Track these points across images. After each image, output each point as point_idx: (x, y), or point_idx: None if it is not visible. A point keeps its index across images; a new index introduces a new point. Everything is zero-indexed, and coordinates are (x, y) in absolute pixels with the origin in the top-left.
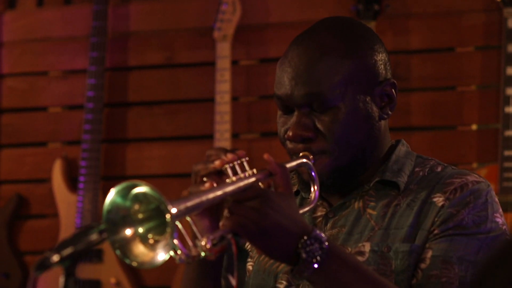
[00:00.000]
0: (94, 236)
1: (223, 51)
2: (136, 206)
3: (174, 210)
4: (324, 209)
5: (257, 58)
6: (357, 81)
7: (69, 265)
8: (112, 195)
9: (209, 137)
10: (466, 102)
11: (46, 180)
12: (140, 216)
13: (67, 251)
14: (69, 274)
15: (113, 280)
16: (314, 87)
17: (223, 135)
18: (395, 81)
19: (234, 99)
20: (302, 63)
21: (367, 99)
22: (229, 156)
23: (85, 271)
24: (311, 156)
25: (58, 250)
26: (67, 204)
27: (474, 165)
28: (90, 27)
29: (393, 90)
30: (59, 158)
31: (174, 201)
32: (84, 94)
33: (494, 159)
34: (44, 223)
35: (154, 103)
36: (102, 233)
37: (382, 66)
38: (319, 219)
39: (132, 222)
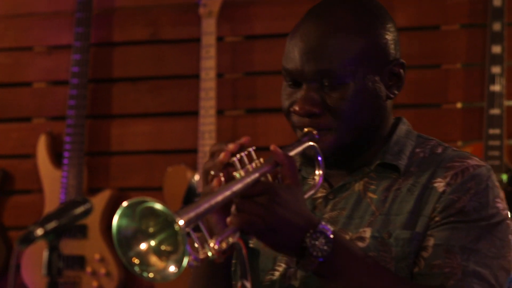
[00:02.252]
0: (79, 210)
1: (209, 27)
2: (146, 221)
3: (181, 222)
4: (325, 190)
5: (243, 35)
6: (368, 59)
7: (53, 239)
8: (118, 216)
9: (194, 113)
10: (451, 80)
11: (31, 156)
12: (151, 230)
13: (51, 224)
14: (53, 248)
15: (97, 256)
16: (326, 63)
17: (208, 112)
18: (404, 61)
19: (219, 75)
20: (314, 38)
21: (377, 79)
22: (231, 146)
23: (69, 247)
24: (315, 132)
25: (42, 224)
26: (51, 180)
27: (459, 143)
28: (75, 3)
29: (401, 70)
30: (44, 134)
31: (183, 210)
32: (69, 70)
33: (479, 137)
34: (29, 198)
35: (139, 79)
36: (85, 205)
37: (392, 45)
38: (319, 200)
39: (143, 237)
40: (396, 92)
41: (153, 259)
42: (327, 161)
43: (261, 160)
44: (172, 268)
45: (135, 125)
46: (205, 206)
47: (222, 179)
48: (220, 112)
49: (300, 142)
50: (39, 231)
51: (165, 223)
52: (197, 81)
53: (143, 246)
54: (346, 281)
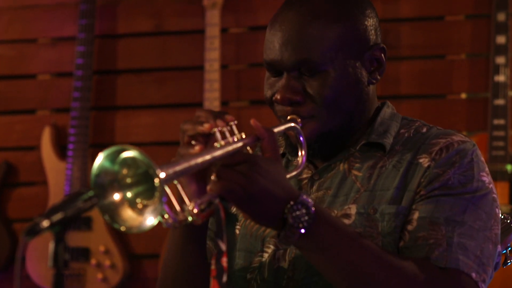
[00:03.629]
0: (84, 202)
1: (213, 18)
2: (125, 171)
3: (162, 175)
4: (310, 171)
5: (247, 26)
6: (347, 46)
7: (59, 230)
8: (100, 159)
9: (198, 105)
10: (456, 71)
11: (35, 148)
12: (129, 180)
13: (57, 216)
14: (59, 240)
15: (102, 248)
16: (305, 52)
17: (212, 103)
18: (384, 46)
19: (223, 67)
20: (292, 27)
21: (357, 64)
22: (218, 122)
23: (74, 239)
24: (299, 120)
25: (48, 216)
26: (56, 172)
27: (464, 133)
28: None
29: (382, 54)
30: (48, 126)
31: (163, 166)
32: (73, 62)
33: (484, 128)
34: (33, 190)
35: (143, 70)
36: (92, 199)
37: (372, 31)
38: (305, 181)
39: (120, 186)
40: (378, 77)
41: (127, 211)
42: (312, 149)
43: (242, 134)
44: (146, 222)
45: (139, 116)
46: (184, 165)
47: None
48: (224, 104)
49: (282, 123)
50: (45, 223)
51: (144, 175)
52: (202, 72)
53: (117, 196)
54: (329, 253)
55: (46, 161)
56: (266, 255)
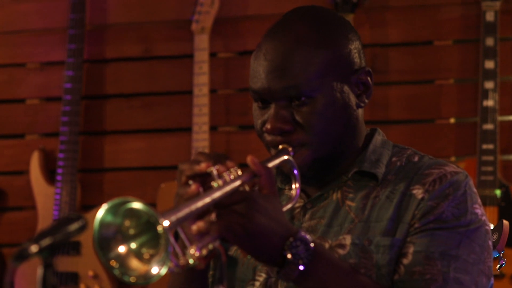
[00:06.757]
0: (73, 227)
1: (201, 43)
2: (127, 222)
3: (166, 223)
4: (302, 200)
5: (235, 51)
6: (333, 70)
7: (48, 255)
8: (102, 213)
9: (187, 129)
10: (444, 95)
11: (24, 172)
12: (132, 231)
13: (46, 241)
14: (48, 265)
15: (90, 273)
16: (291, 80)
17: (201, 128)
18: (370, 69)
19: (212, 91)
20: (277, 55)
21: (344, 88)
22: (218, 167)
23: (63, 263)
24: (290, 149)
25: (36, 241)
26: (44, 196)
27: (453, 158)
28: (67, 19)
29: (368, 78)
30: (37, 150)
31: (165, 213)
32: (62, 86)
33: (473, 152)
34: (22, 215)
35: (132, 95)
36: (81, 223)
37: (356, 54)
38: (297, 210)
39: (124, 238)
40: (366, 100)
41: (134, 262)
42: (305, 177)
43: (239, 171)
44: (153, 271)
45: (128, 141)
46: (185, 210)
47: (201, 188)
48: (213, 128)
49: (276, 156)
50: (34, 248)
51: (147, 224)
52: (190, 97)
53: (122, 248)
54: None
55: (35, 186)
56: (257, 284)
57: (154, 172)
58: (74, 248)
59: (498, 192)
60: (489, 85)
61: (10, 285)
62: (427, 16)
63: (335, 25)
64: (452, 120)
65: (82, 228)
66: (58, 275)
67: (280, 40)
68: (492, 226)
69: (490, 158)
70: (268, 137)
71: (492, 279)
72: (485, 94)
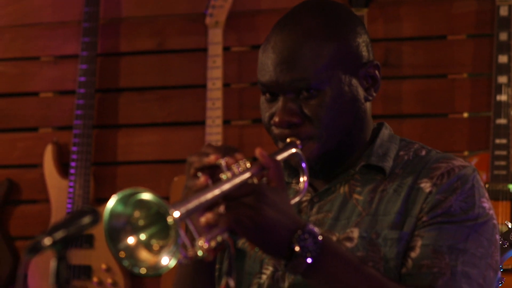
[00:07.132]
0: (86, 220)
1: (215, 37)
2: (137, 213)
3: (176, 214)
4: (309, 194)
5: (249, 45)
6: (341, 64)
7: (61, 248)
8: (112, 203)
9: (201, 123)
10: (458, 90)
11: (37, 165)
12: (142, 222)
13: (59, 234)
14: (61, 257)
15: (103, 266)
16: (300, 72)
17: (214, 122)
18: (378, 63)
19: (226, 85)
20: (286, 48)
21: (352, 81)
22: (227, 159)
23: (76, 256)
24: (298, 142)
25: (50, 233)
26: (58, 190)
27: (465, 153)
28: (81, 12)
29: (376, 71)
30: (50, 143)
31: (175, 205)
32: (76, 80)
33: (486, 147)
34: (35, 208)
35: (146, 89)
36: (94, 216)
37: (364, 47)
38: (304, 204)
39: (134, 229)
40: (374, 94)
41: (143, 253)
42: (312, 170)
43: (247, 164)
44: (162, 263)
45: (141, 135)
46: (195, 202)
47: (209, 181)
48: (226, 122)
49: (284, 149)
50: (47, 241)
51: (157, 216)
52: (204, 91)
53: (132, 240)
54: (335, 282)
55: (48, 179)
56: (264, 277)
57: (167, 166)
58: (87, 241)
59: (511, 186)
60: (502, 79)
61: (24, 278)
62: (441, 10)
63: (344, 18)
64: (465, 115)
65: (95, 221)
66: (71, 268)
67: (288, 33)
68: (510, 224)
69: (503, 152)
70: (276, 130)
71: (499, 272)
72: (499, 89)
